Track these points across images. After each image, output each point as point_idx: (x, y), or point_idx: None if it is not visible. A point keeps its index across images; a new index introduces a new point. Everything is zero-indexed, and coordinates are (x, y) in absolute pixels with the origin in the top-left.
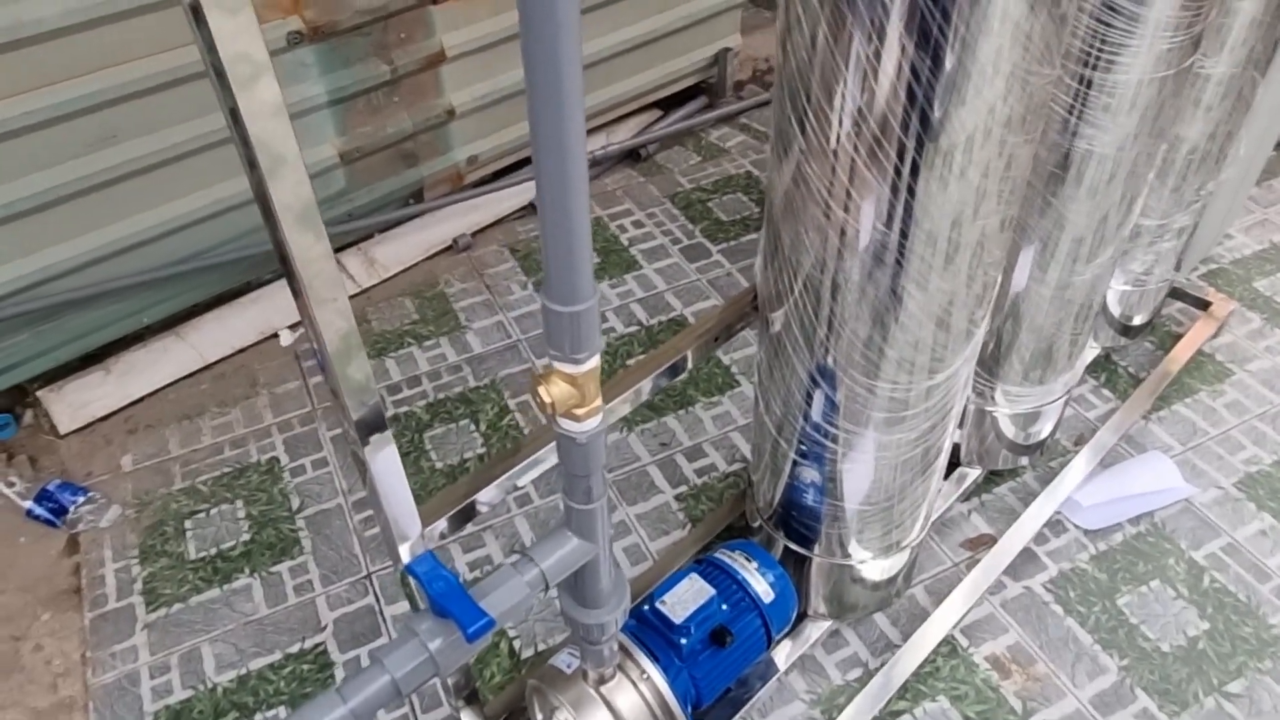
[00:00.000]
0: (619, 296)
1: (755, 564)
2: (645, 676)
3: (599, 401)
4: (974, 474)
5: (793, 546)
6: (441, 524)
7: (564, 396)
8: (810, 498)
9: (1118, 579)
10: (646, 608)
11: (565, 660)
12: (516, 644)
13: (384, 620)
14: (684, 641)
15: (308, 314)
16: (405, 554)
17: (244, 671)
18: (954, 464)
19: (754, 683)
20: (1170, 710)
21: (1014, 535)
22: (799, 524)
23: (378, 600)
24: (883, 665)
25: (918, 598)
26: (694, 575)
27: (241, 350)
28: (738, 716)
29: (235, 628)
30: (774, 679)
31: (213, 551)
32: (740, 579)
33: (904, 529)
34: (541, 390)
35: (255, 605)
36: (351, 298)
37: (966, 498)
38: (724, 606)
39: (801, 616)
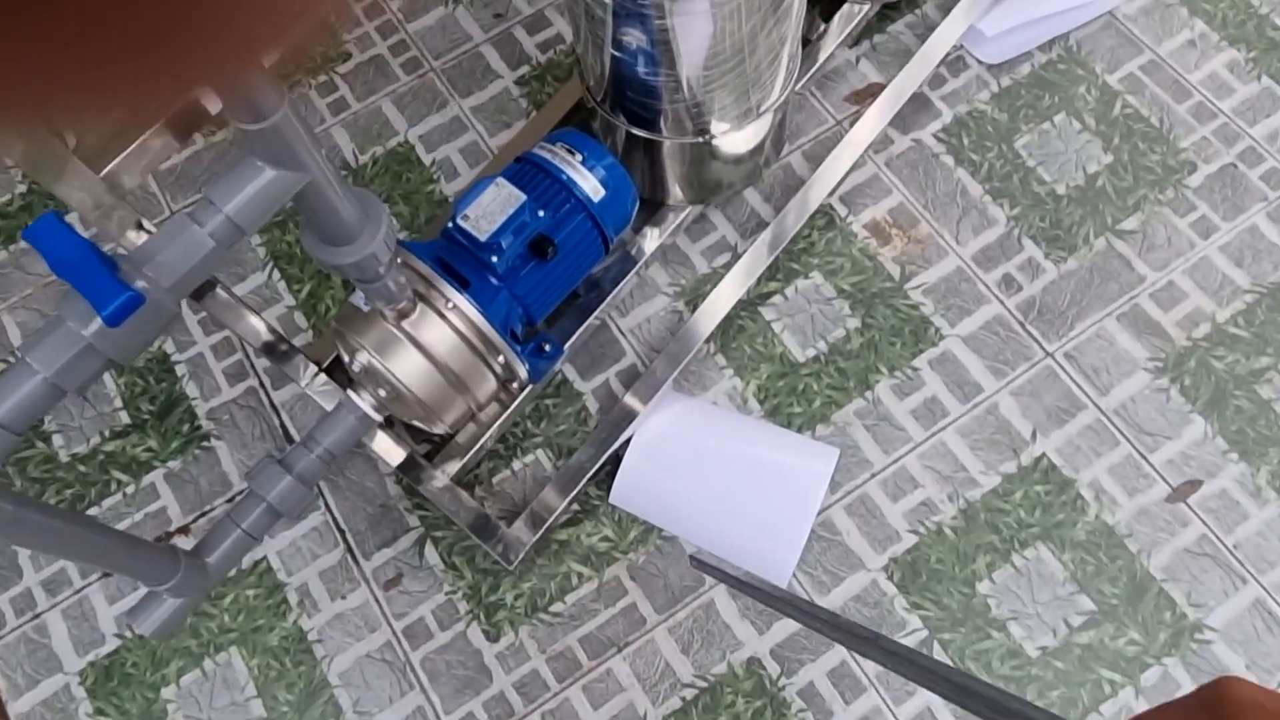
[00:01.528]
0: None
1: (580, 157)
2: (451, 305)
3: None
4: (862, 9)
5: (634, 130)
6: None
7: None
8: (642, 69)
9: (1019, 118)
10: (450, 225)
11: (363, 297)
12: None
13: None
14: (495, 260)
15: None
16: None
17: None
18: (838, 1)
19: (605, 284)
20: (1057, 256)
21: (905, 79)
22: (636, 103)
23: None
24: (751, 245)
25: (794, 166)
26: (499, 181)
27: None
28: (592, 319)
29: (34, 291)
30: (630, 275)
31: (13, 205)
32: (563, 178)
33: (763, 88)
34: None
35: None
36: None
37: (854, 42)
38: (541, 213)
39: (659, 204)
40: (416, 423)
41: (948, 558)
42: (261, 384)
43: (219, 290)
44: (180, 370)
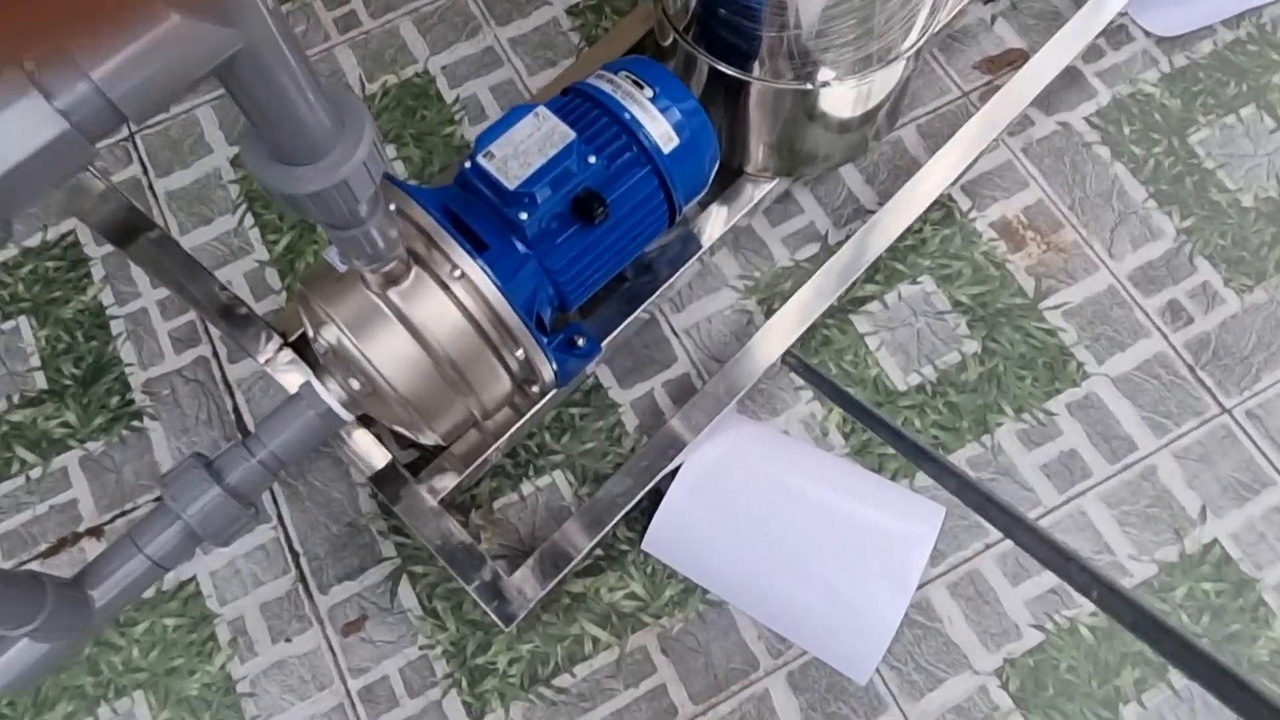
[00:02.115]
0: None
1: (649, 92)
2: (458, 274)
3: None
4: None
5: (720, 66)
6: None
7: None
8: None
9: (1195, 107)
10: (468, 165)
11: (338, 251)
12: None
13: (155, 197)
14: (525, 218)
15: None
16: None
17: None
18: None
19: (660, 268)
20: (1240, 284)
21: (1054, 49)
22: (729, 30)
23: (145, 171)
24: (848, 238)
25: (906, 143)
26: (541, 112)
27: None
28: (640, 311)
29: None
30: (692, 261)
31: None
32: (625, 117)
33: (895, 27)
34: None
35: None
36: None
37: None
38: (592, 159)
39: (736, 173)
40: (398, 428)
41: (1083, 667)
42: (215, 354)
43: (156, 233)
44: (117, 327)
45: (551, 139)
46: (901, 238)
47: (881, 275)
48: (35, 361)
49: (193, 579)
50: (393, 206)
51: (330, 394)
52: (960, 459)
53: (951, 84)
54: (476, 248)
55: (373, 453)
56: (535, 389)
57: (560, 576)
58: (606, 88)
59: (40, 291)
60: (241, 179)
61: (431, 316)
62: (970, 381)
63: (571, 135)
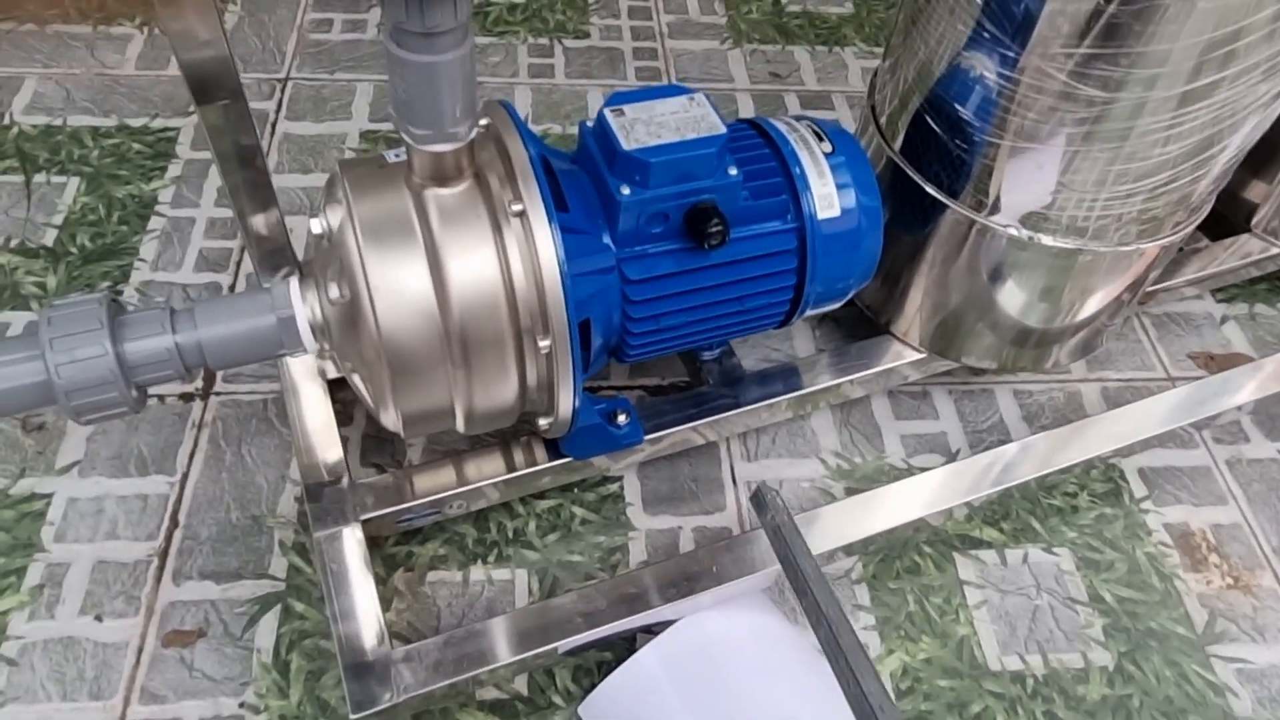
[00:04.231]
0: None
1: (828, 146)
2: (518, 209)
3: None
4: (1258, 251)
5: (916, 177)
6: None
7: None
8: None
9: None
10: (590, 123)
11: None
12: None
13: (272, 133)
14: (626, 193)
15: None
16: None
17: (58, 122)
18: (1221, 221)
19: (748, 389)
20: None
21: None
22: (937, 143)
23: (278, 110)
24: (981, 459)
25: (1084, 398)
26: (699, 97)
27: None
28: (702, 424)
29: (82, 74)
30: (786, 399)
31: None
32: (787, 151)
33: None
34: None
35: (123, 60)
36: None
37: (1228, 296)
38: (734, 171)
39: (880, 330)
40: (357, 382)
41: None
42: (232, 289)
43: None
44: (155, 224)
45: (698, 125)
46: (1048, 491)
47: (1009, 525)
48: (58, 220)
49: (49, 496)
50: (485, 121)
51: (305, 303)
52: None
53: (1157, 362)
54: (557, 206)
55: (329, 443)
56: (544, 423)
57: (454, 680)
58: (782, 127)
59: (110, 164)
60: (363, 151)
61: (463, 249)
62: (1090, 701)
63: (722, 129)
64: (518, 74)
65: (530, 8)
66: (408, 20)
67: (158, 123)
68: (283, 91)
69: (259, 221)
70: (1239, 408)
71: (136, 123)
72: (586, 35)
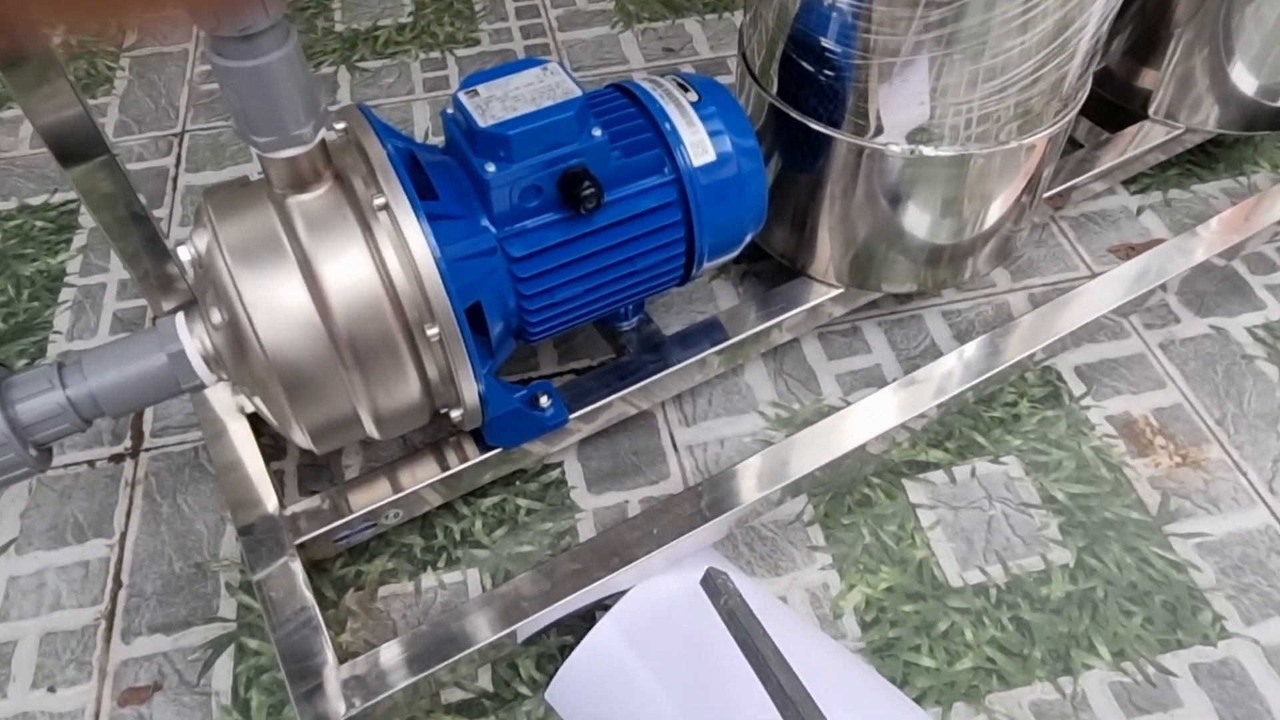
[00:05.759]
0: None
1: (694, 96)
2: (382, 202)
3: None
4: (1161, 135)
5: (789, 111)
6: None
7: None
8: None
9: None
10: (448, 110)
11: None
12: None
13: (174, 189)
14: (492, 170)
15: None
16: None
17: None
18: (1121, 113)
19: (672, 350)
20: None
21: (1208, 241)
22: (805, 54)
23: (178, 164)
24: (913, 378)
25: (1013, 307)
26: (553, 66)
27: None
28: (629, 392)
29: None
30: (711, 352)
31: None
32: (655, 108)
33: (1023, 85)
34: None
35: (16, 141)
36: None
37: (1141, 187)
38: (598, 131)
39: (795, 274)
40: (260, 406)
41: None
42: None
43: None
44: (65, 295)
45: (554, 93)
46: (987, 404)
47: (953, 443)
48: None
49: None
50: (340, 125)
51: (193, 335)
52: (1021, 700)
53: (1080, 261)
54: (424, 196)
55: (260, 479)
56: (456, 415)
57: (411, 681)
58: (646, 84)
59: (14, 245)
60: None
61: (334, 252)
62: (1054, 600)
63: (578, 92)
64: (413, 91)
65: (418, 25)
66: (220, 26)
67: (57, 197)
68: (180, 145)
69: (159, 274)
70: (1163, 287)
71: (37, 200)
72: (477, 42)
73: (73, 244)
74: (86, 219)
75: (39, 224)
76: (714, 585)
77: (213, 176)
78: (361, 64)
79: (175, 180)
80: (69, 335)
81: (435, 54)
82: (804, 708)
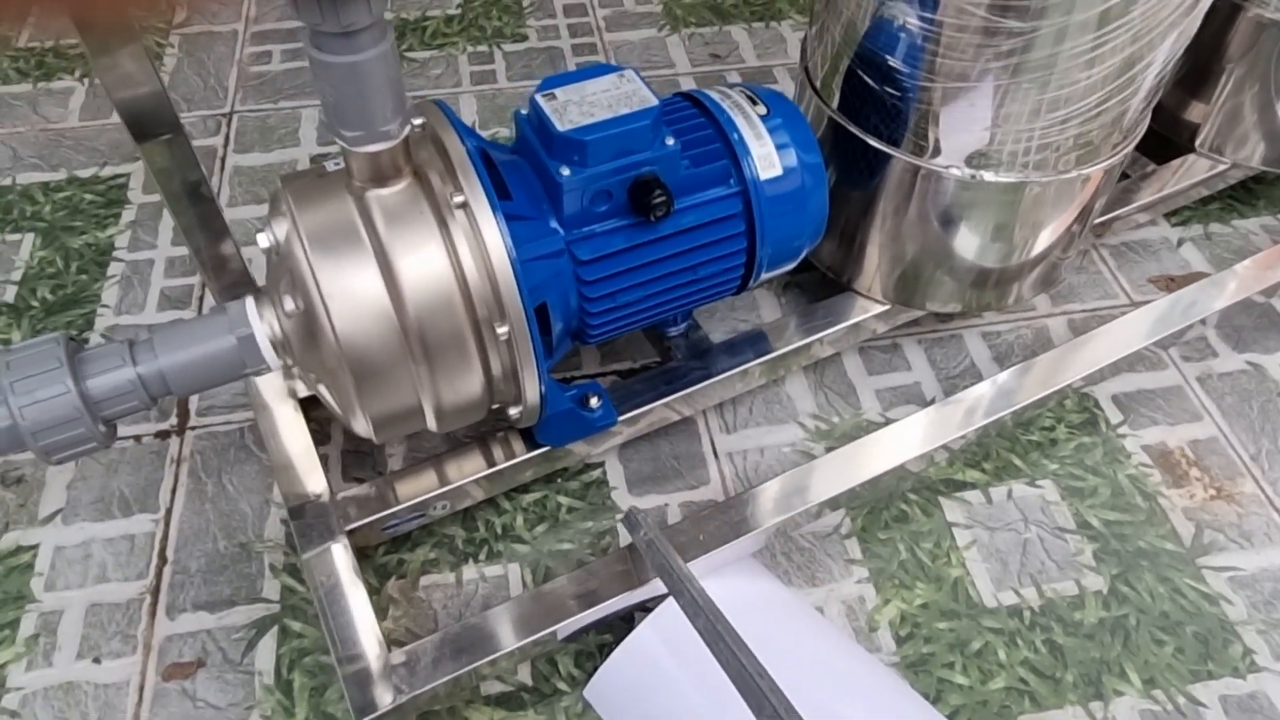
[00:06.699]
0: None
1: (763, 109)
2: (460, 200)
3: None
4: (1205, 170)
5: (854, 130)
6: None
7: None
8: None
9: None
10: (524, 112)
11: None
12: None
13: (222, 169)
14: (566, 173)
15: None
16: None
17: (7, 181)
18: (1167, 145)
19: (718, 359)
20: None
21: (1249, 279)
22: (872, 94)
23: (226, 144)
24: (955, 401)
25: (1052, 332)
26: (629, 74)
27: None
28: (675, 399)
29: (27, 131)
30: (753, 365)
31: (48, 43)
32: (723, 119)
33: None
34: None
35: (66, 114)
36: None
37: (1182, 220)
38: (671, 141)
39: (841, 288)
40: (324, 393)
41: None
42: None
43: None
44: (114, 270)
45: (630, 100)
46: (1025, 427)
47: (991, 465)
48: (16, 276)
49: (35, 548)
50: (420, 121)
51: (262, 320)
52: None
53: (1120, 290)
54: (499, 196)
55: (310, 468)
56: (514, 413)
57: (454, 675)
58: (716, 96)
59: (63, 217)
60: None
61: (411, 247)
62: (1087, 625)
63: (654, 101)
64: (460, 83)
65: (466, 18)
66: (324, 22)
67: (107, 171)
68: (229, 126)
69: (215, 254)
70: (1202, 321)
71: (86, 173)
72: (525, 38)
73: (121, 219)
74: (136, 194)
75: (88, 197)
76: (633, 520)
77: (260, 159)
78: (410, 54)
79: (224, 160)
80: (117, 310)
81: (483, 47)
82: (712, 615)
